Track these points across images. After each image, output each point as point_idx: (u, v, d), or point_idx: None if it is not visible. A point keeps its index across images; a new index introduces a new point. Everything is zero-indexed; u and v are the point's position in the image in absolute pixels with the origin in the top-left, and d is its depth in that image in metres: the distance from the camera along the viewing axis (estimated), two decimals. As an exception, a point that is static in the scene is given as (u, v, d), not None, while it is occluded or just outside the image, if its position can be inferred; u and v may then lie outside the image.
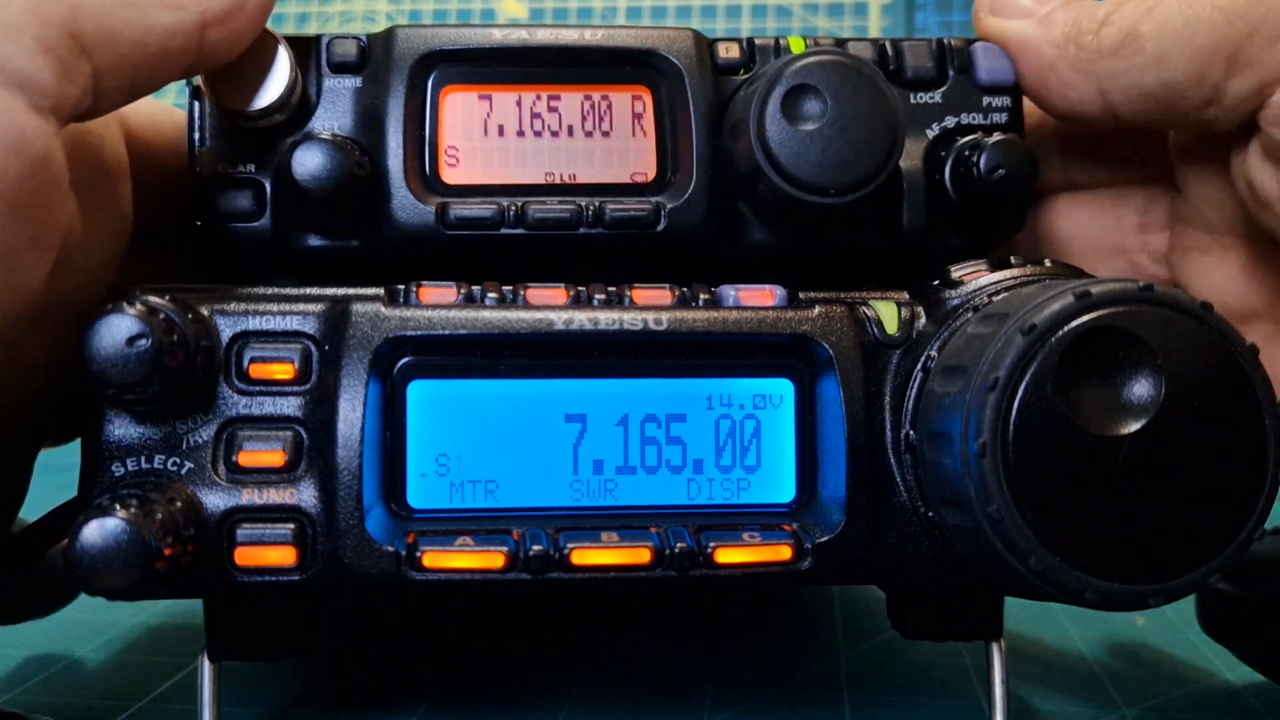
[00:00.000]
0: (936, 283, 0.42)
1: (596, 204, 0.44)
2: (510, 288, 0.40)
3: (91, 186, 0.41)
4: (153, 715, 0.46)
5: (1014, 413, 0.34)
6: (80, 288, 0.41)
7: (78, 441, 0.39)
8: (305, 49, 0.44)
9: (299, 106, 0.44)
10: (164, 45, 0.39)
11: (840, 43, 0.46)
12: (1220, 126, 0.43)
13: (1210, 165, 0.47)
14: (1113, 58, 0.43)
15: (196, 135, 0.44)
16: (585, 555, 0.38)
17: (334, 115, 0.44)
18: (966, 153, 0.45)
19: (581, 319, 0.40)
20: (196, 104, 0.44)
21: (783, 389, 0.41)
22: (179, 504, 0.37)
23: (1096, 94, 0.44)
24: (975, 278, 0.41)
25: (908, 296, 0.42)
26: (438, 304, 0.40)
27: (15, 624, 0.52)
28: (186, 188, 0.44)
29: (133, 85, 0.39)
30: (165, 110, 0.47)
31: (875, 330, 0.41)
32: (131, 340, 0.35)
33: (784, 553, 0.39)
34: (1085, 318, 0.34)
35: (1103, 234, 0.51)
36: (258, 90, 0.42)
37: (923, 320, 0.41)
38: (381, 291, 0.40)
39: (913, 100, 0.46)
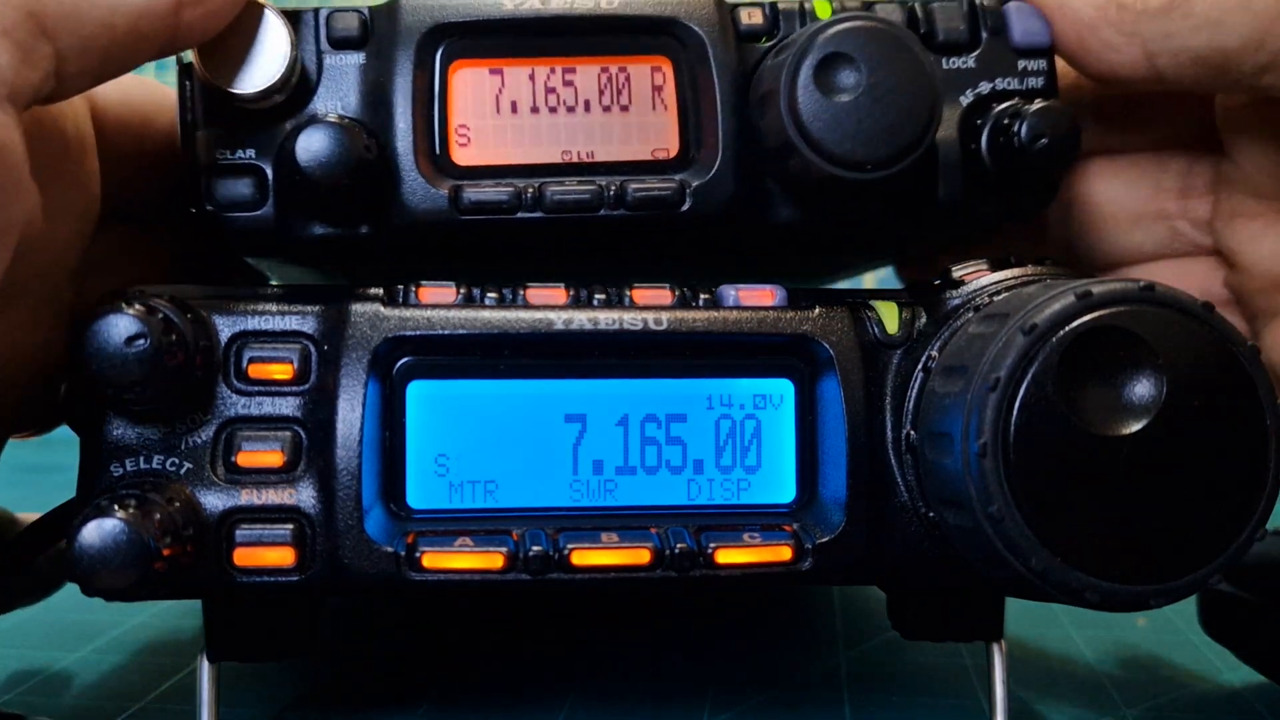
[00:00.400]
0: (937, 282, 0.42)
1: (618, 183, 0.42)
2: (510, 288, 0.40)
3: (52, 166, 0.38)
4: (152, 716, 0.46)
5: (1015, 413, 0.34)
6: (42, 271, 0.39)
7: (77, 442, 0.39)
8: (303, 24, 0.42)
9: (299, 86, 0.41)
10: (134, 26, 0.35)
11: (868, 4, 0.44)
12: (1277, 93, 0.41)
13: (1261, 129, 0.44)
14: (1160, 19, 0.41)
15: (189, 117, 0.41)
16: (585, 556, 0.38)
17: (336, 95, 0.42)
18: (1005, 121, 0.43)
19: (581, 319, 0.39)
20: (188, 83, 0.41)
21: (783, 389, 0.40)
22: (178, 504, 0.37)
23: (1141, 57, 0.42)
24: (976, 277, 0.41)
25: (908, 296, 0.42)
26: (437, 304, 0.40)
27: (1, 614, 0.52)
28: (176, 168, 0.42)
29: (100, 68, 0.36)
30: (137, 81, 0.44)
31: (876, 330, 0.41)
32: (130, 340, 0.35)
33: (784, 553, 0.39)
34: (1086, 317, 0.34)
35: (1142, 200, 0.49)
36: (255, 69, 0.40)
37: (923, 320, 0.41)
38: (381, 291, 0.40)
39: (945, 65, 0.44)
